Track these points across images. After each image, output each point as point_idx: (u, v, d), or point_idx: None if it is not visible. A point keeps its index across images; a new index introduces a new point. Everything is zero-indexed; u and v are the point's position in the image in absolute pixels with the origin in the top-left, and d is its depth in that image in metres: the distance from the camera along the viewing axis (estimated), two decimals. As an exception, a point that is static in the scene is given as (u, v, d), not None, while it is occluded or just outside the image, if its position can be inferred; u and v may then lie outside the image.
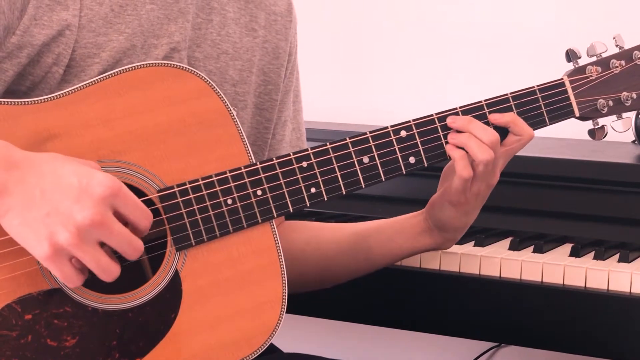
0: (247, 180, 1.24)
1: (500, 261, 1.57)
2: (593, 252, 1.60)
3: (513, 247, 1.63)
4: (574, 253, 1.59)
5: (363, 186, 1.30)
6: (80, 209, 1.07)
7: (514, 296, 1.56)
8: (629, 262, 1.57)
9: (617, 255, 1.59)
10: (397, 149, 1.32)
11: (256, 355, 1.23)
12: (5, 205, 1.08)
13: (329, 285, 1.49)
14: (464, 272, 1.59)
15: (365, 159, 1.30)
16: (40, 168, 1.09)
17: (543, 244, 1.62)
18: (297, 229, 1.48)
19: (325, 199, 1.28)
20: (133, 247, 1.12)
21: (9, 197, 1.08)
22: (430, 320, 1.62)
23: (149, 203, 1.20)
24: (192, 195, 1.22)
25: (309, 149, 1.28)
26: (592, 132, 1.41)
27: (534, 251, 1.61)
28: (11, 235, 1.10)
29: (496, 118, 1.34)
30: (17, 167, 1.09)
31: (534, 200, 1.72)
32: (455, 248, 1.62)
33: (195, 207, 1.22)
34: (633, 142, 1.93)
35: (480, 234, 1.67)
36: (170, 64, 1.23)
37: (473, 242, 1.66)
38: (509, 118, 1.34)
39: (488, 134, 1.32)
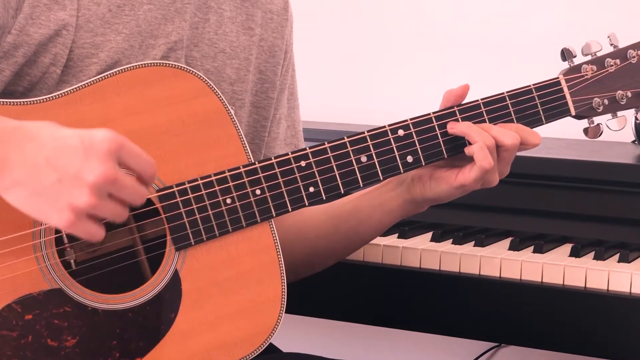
0: (245, 179, 1.25)
1: (500, 261, 1.57)
2: (593, 252, 1.60)
3: (513, 247, 1.63)
4: (574, 253, 1.59)
5: (361, 185, 1.31)
6: (91, 168, 1.05)
7: (514, 296, 1.56)
8: (629, 262, 1.57)
9: (617, 255, 1.59)
10: (394, 148, 1.32)
11: (256, 355, 1.23)
12: (9, 179, 1.06)
13: (319, 269, 1.48)
14: (464, 272, 1.59)
15: (363, 158, 1.31)
16: (38, 135, 1.07)
17: (543, 244, 1.62)
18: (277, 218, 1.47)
19: (324, 198, 1.29)
20: (140, 195, 1.11)
21: (11, 169, 1.06)
22: (430, 320, 1.62)
23: (148, 203, 1.21)
24: (191, 195, 1.22)
25: (307, 149, 1.28)
26: (587, 131, 1.41)
27: (534, 251, 1.61)
28: (21, 209, 1.08)
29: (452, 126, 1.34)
30: (13, 138, 1.07)
31: (534, 200, 1.72)
32: (455, 248, 1.63)
33: (195, 206, 1.22)
34: (633, 142, 1.94)
35: (480, 234, 1.67)
36: (169, 63, 1.24)
37: (473, 242, 1.66)
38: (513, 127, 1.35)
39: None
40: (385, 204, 1.41)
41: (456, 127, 1.33)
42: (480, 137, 1.31)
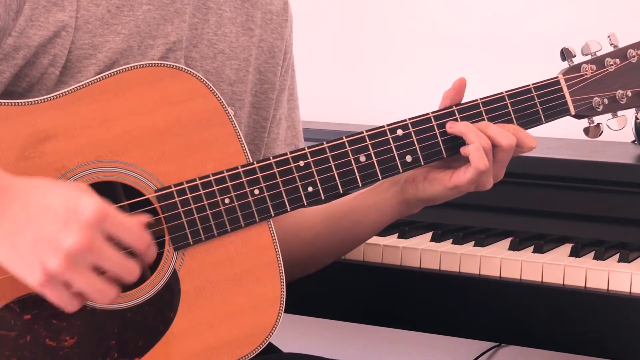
0: (244, 179, 1.25)
1: (500, 261, 1.57)
2: (593, 252, 1.60)
3: (513, 247, 1.63)
4: (574, 253, 1.60)
5: (360, 185, 1.31)
6: (68, 234, 1.04)
7: (514, 296, 1.56)
8: (629, 262, 1.57)
9: (617, 255, 1.59)
10: (393, 148, 1.32)
11: (255, 354, 1.23)
12: None
13: (313, 270, 1.48)
14: (464, 272, 1.59)
15: (362, 158, 1.31)
16: (27, 196, 1.07)
17: (543, 244, 1.62)
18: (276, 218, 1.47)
19: (323, 198, 1.29)
20: (127, 271, 1.08)
21: None
22: (430, 320, 1.62)
23: (146, 203, 1.21)
24: (189, 195, 1.22)
25: (306, 148, 1.28)
26: (587, 130, 1.41)
27: (534, 251, 1.61)
28: (2, 263, 1.08)
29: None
30: (2, 195, 1.07)
31: (534, 200, 1.72)
32: (455, 248, 1.63)
33: (193, 206, 1.22)
34: (633, 142, 1.93)
35: (480, 234, 1.67)
36: (167, 64, 1.24)
37: (473, 242, 1.66)
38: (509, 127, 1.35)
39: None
40: (380, 204, 1.41)
41: (455, 127, 1.33)
42: (477, 138, 1.30)
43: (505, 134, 1.32)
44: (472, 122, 1.34)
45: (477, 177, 1.32)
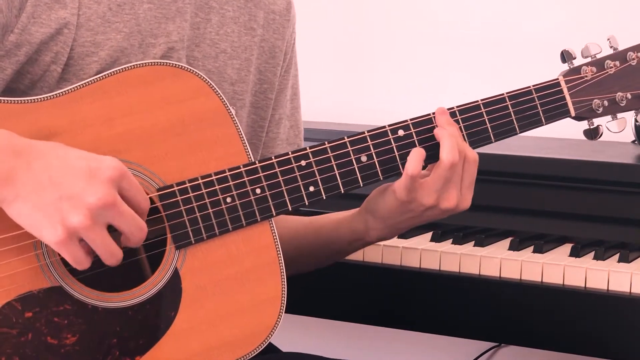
0: (246, 179, 1.25)
1: (500, 261, 1.57)
2: (593, 252, 1.60)
3: (513, 247, 1.63)
4: (574, 253, 1.60)
5: (361, 185, 1.31)
6: (92, 191, 1.09)
7: (514, 296, 1.56)
8: (629, 262, 1.57)
9: (617, 255, 1.59)
10: (394, 148, 1.32)
11: (256, 354, 1.23)
12: (13, 193, 1.09)
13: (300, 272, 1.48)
14: (464, 272, 1.59)
15: (363, 158, 1.31)
16: (46, 154, 1.11)
17: (543, 244, 1.63)
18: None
19: (324, 198, 1.29)
20: (139, 228, 1.14)
21: (16, 184, 1.09)
22: (430, 320, 1.62)
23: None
24: (191, 194, 1.22)
25: (307, 148, 1.29)
26: (587, 132, 1.41)
27: (534, 251, 1.61)
28: (20, 222, 1.11)
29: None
30: (22, 155, 1.10)
31: (534, 200, 1.72)
32: (455, 248, 1.63)
33: (195, 205, 1.22)
34: (633, 142, 1.94)
35: (480, 234, 1.67)
36: (169, 63, 1.24)
37: (473, 242, 1.66)
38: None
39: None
40: (348, 217, 1.42)
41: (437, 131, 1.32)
42: (451, 134, 1.31)
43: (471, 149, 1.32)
44: (473, 123, 1.34)
45: (443, 175, 1.29)
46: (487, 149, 1.41)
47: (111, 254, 1.12)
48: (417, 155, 1.30)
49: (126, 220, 1.12)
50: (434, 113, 1.34)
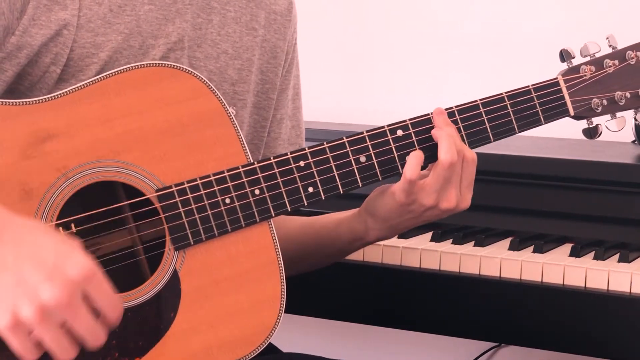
0: (245, 179, 1.25)
1: (500, 261, 1.57)
2: (593, 252, 1.60)
3: (513, 247, 1.63)
4: (574, 253, 1.60)
5: (360, 185, 1.31)
6: (50, 287, 1.02)
7: (514, 296, 1.56)
8: (629, 262, 1.57)
9: (617, 255, 1.59)
10: (393, 148, 1.32)
11: (255, 354, 1.23)
12: None
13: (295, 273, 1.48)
14: (464, 272, 1.59)
15: (362, 158, 1.31)
16: (20, 235, 1.05)
17: (543, 244, 1.63)
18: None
19: (323, 198, 1.29)
20: (95, 336, 1.06)
21: None
22: (430, 320, 1.62)
23: (147, 203, 1.21)
24: (190, 195, 1.22)
25: (306, 149, 1.28)
26: (586, 131, 1.41)
27: (534, 251, 1.61)
28: None
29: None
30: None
31: (534, 200, 1.72)
32: (455, 248, 1.63)
33: (194, 206, 1.22)
34: (633, 142, 1.94)
35: (480, 234, 1.67)
36: (168, 64, 1.24)
37: (473, 242, 1.66)
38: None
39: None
40: (348, 217, 1.41)
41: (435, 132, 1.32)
42: (449, 134, 1.31)
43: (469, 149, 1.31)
44: (472, 123, 1.34)
45: (442, 174, 1.29)
46: (486, 149, 1.41)
47: (63, 351, 1.05)
48: (415, 159, 1.30)
49: (80, 325, 1.04)
50: (432, 113, 1.34)
